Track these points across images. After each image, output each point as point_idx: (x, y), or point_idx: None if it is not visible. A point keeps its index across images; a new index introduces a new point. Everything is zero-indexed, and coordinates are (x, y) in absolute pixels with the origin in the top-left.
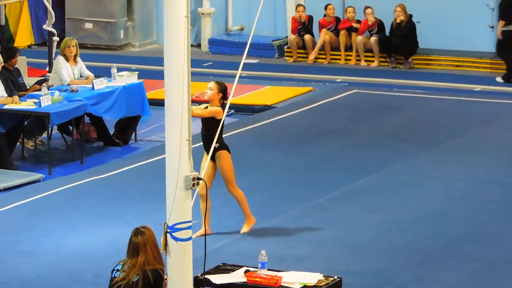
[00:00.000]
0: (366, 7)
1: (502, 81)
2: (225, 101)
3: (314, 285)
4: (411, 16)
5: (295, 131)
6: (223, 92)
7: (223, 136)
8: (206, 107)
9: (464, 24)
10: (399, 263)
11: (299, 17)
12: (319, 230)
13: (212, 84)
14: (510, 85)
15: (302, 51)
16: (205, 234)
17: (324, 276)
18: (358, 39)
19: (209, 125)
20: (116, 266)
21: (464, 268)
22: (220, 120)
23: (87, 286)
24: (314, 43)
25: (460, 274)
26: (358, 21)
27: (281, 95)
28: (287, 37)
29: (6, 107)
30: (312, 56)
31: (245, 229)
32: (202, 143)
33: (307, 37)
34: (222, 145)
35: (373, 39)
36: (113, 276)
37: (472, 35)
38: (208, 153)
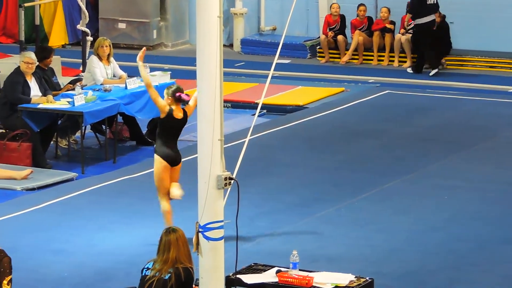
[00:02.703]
0: None
1: None
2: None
3: (346, 286)
4: (444, 16)
5: (327, 131)
6: (172, 95)
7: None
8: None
9: (497, 24)
10: (432, 264)
11: (335, 13)
12: (351, 231)
13: (165, 92)
14: None
15: (334, 51)
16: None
17: (356, 277)
18: (396, 38)
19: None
20: (146, 265)
21: (498, 271)
22: (161, 119)
23: (118, 284)
24: (346, 44)
25: (495, 277)
26: (392, 22)
27: (313, 96)
28: (319, 37)
29: (40, 106)
30: (345, 58)
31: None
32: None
33: (339, 37)
34: (157, 149)
35: (404, 38)
36: (143, 274)
37: (505, 36)
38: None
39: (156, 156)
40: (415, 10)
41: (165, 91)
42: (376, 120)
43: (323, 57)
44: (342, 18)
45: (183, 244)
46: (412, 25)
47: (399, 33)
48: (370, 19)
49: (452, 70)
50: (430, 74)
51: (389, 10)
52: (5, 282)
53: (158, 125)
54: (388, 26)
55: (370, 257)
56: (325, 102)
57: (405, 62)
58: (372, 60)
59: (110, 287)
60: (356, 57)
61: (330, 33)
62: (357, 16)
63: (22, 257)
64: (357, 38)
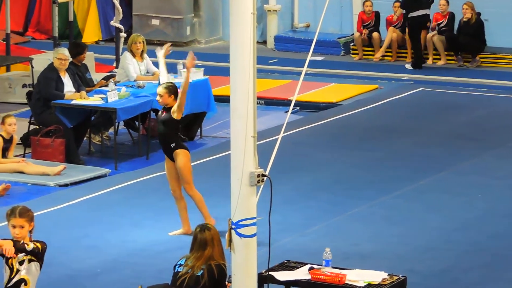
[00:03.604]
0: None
1: None
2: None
3: (379, 284)
4: (479, 14)
5: (360, 129)
6: (174, 93)
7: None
8: (170, 108)
9: None
10: (465, 262)
11: (368, 11)
12: (383, 229)
13: (160, 90)
14: None
15: (368, 48)
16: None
17: (388, 274)
18: (428, 37)
19: (167, 125)
20: (179, 261)
21: None
22: (177, 120)
23: (150, 280)
24: (380, 41)
25: None
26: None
27: (347, 93)
28: (353, 34)
29: (73, 102)
30: (378, 55)
31: (176, 232)
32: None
33: (374, 34)
34: (179, 145)
35: (437, 37)
36: (176, 271)
37: None
38: (167, 156)
39: (181, 151)
40: (407, 4)
41: (163, 91)
42: (409, 118)
43: (357, 54)
44: (377, 15)
45: (218, 242)
46: (442, 23)
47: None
48: (405, 16)
49: (486, 67)
50: (407, 66)
51: None
52: (32, 244)
53: (174, 126)
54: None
55: (403, 254)
56: (358, 100)
57: (439, 59)
58: (406, 57)
59: (142, 283)
60: (390, 54)
61: (365, 31)
62: (393, 12)
63: (54, 253)
64: (391, 35)
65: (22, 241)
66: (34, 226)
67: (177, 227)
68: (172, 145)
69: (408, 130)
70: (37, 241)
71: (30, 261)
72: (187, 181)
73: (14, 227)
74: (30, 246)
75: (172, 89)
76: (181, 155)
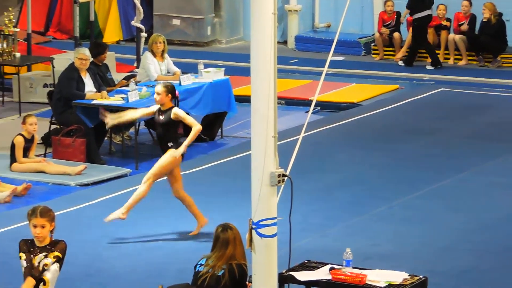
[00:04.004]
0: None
1: None
2: (173, 99)
3: (399, 284)
4: (501, 14)
5: (381, 129)
6: (172, 92)
7: None
8: (166, 110)
9: None
10: (486, 263)
11: (389, 10)
12: (404, 229)
13: (159, 88)
14: None
15: (388, 48)
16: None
17: (409, 275)
18: (450, 37)
19: (168, 126)
20: (199, 261)
21: None
22: (178, 122)
23: (171, 280)
24: (401, 41)
25: None
26: (448, 19)
27: (367, 93)
28: (373, 34)
29: (94, 102)
30: (399, 55)
31: (111, 217)
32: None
33: (395, 34)
34: (176, 145)
35: (458, 37)
36: (196, 270)
37: None
38: (164, 153)
39: (173, 151)
40: (413, 5)
41: (162, 89)
42: (431, 118)
43: (378, 54)
44: (398, 15)
45: (240, 242)
46: (464, 24)
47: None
48: None
49: (507, 68)
50: (427, 67)
51: (446, 7)
52: (52, 254)
53: (176, 127)
54: (444, 23)
55: (423, 255)
56: (379, 100)
57: (461, 59)
58: (427, 57)
59: (163, 282)
60: None
61: (386, 30)
62: None
63: (75, 252)
64: (411, 34)
65: (42, 268)
66: (55, 226)
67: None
68: (170, 144)
69: (429, 131)
70: (57, 242)
71: None
72: (155, 174)
73: (35, 226)
74: (49, 265)
75: (170, 89)
76: (171, 154)
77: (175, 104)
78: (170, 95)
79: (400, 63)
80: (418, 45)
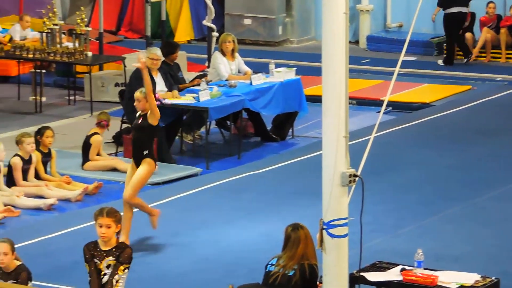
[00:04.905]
0: None
1: None
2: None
3: (471, 286)
4: None
5: (453, 129)
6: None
7: None
8: (146, 114)
9: None
10: None
11: (491, 13)
12: (476, 230)
13: (138, 94)
14: None
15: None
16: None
17: (481, 276)
18: None
19: (144, 131)
20: (270, 261)
21: None
22: (155, 127)
23: (241, 280)
24: (474, 41)
25: None
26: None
27: (439, 93)
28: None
29: (165, 101)
30: (472, 56)
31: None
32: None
33: (467, 35)
34: (151, 154)
35: None
36: (267, 270)
37: None
38: (135, 161)
39: (150, 160)
40: (444, 1)
41: (141, 96)
42: (503, 119)
43: None
44: (472, 15)
45: (311, 241)
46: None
47: None
48: (499, 16)
49: None
50: (464, 62)
51: (495, 5)
52: (122, 268)
53: (150, 132)
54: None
55: (496, 256)
56: (451, 100)
57: None
58: (500, 57)
59: (233, 282)
60: (483, 54)
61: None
62: (486, 13)
63: (146, 251)
64: (485, 35)
65: (116, 275)
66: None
67: (269, 226)
68: (145, 152)
69: (501, 131)
70: (122, 248)
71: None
72: (135, 189)
73: (101, 226)
74: (120, 280)
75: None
76: (148, 164)
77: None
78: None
79: (440, 62)
80: (452, 42)
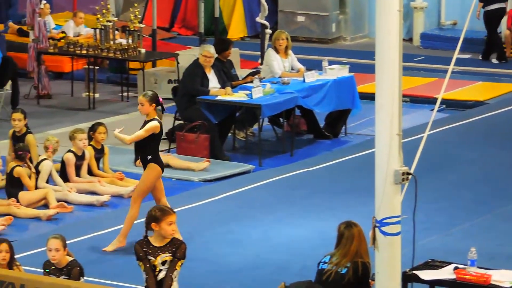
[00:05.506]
0: None
1: None
2: (158, 107)
3: None
4: None
5: (508, 127)
6: (155, 101)
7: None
8: (149, 120)
9: None
10: None
11: None
12: None
13: (140, 98)
14: None
15: None
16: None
17: None
18: None
19: (149, 138)
20: (323, 259)
21: None
22: (158, 134)
23: (293, 277)
24: None
25: None
26: None
27: (494, 91)
28: (501, 32)
29: (218, 98)
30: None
31: (110, 247)
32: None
33: (507, 32)
34: (155, 158)
35: None
36: (320, 268)
37: None
38: (142, 166)
39: (154, 165)
40: None
41: (144, 99)
42: None
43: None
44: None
45: (363, 239)
46: None
47: None
48: None
49: None
50: (493, 60)
51: None
52: (179, 263)
53: (154, 139)
54: None
55: None
56: (506, 98)
57: None
58: None
59: (285, 279)
60: None
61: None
62: None
63: (198, 247)
64: None
65: (175, 271)
66: None
67: (321, 224)
68: (149, 158)
69: None
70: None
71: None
72: (140, 193)
73: (170, 224)
74: (176, 275)
75: (153, 98)
76: (152, 169)
77: (162, 111)
78: (154, 104)
79: (494, 60)
80: (495, 39)
